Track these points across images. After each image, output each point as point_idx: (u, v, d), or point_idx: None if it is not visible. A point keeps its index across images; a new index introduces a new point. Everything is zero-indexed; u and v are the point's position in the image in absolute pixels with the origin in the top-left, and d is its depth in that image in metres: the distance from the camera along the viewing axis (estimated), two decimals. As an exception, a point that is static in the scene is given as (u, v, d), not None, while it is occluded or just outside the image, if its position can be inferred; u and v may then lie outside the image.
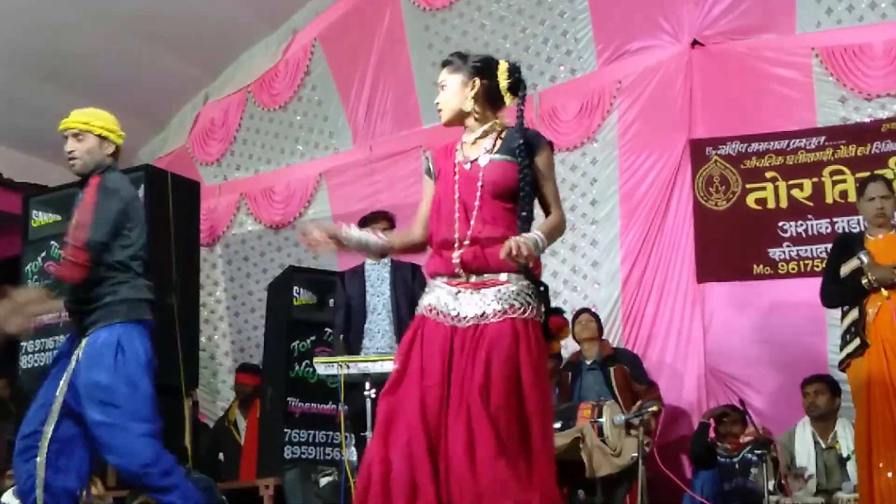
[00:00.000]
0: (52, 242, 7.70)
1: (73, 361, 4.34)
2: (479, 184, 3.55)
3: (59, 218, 7.83)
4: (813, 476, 6.03)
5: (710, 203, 7.30)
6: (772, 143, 7.19)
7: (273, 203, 9.29)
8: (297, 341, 7.41)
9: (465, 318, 3.48)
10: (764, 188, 7.19)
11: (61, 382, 4.34)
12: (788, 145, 7.14)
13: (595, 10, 7.89)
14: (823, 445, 6.14)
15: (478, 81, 3.63)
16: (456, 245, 3.53)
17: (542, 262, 7.12)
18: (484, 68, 3.65)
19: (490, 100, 3.67)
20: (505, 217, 3.54)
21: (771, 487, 5.75)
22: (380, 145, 8.80)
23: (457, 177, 3.61)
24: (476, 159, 3.61)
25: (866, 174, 6.08)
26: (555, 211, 3.62)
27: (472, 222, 3.53)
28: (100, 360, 4.26)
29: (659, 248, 7.42)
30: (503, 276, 3.50)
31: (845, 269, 5.44)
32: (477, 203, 3.54)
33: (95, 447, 4.31)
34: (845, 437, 6.00)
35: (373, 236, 3.80)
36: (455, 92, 3.65)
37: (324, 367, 5.93)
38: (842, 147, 6.97)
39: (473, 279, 3.52)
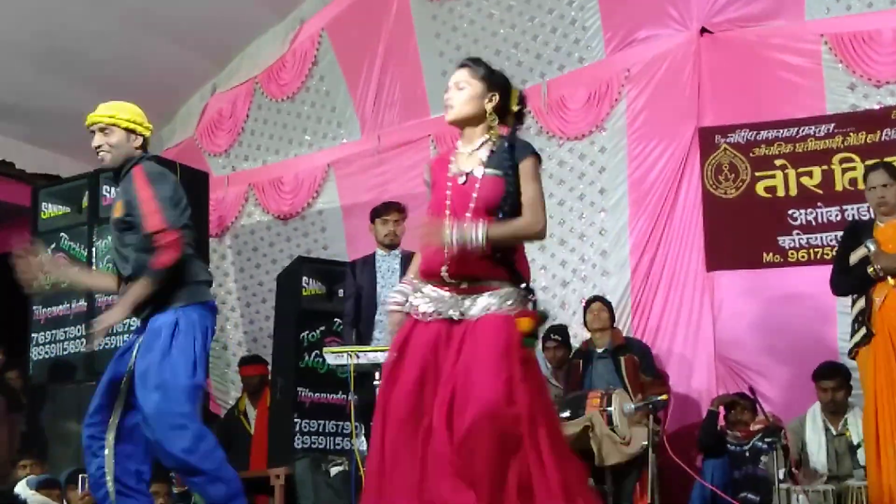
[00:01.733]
0: (62, 234, 7.72)
1: (135, 348, 4.34)
2: (474, 196, 3.58)
3: (67, 210, 7.85)
4: (825, 475, 6.02)
5: (719, 191, 7.28)
6: (781, 131, 7.17)
7: (281, 193, 9.29)
8: (307, 331, 7.42)
9: (454, 316, 3.56)
10: (773, 176, 7.17)
11: (125, 371, 4.35)
12: (797, 133, 7.12)
13: (603, -1, 7.88)
14: (834, 433, 6.13)
15: (496, 97, 3.68)
16: (446, 257, 3.53)
17: (551, 251, 7.07)
18: (500, 86, 3.71)
19: (497, 114, 3.72)
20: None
21: (781, 475, 5.74)
22: (388, 135, 8.79)
23: (449, 191, 3.64)
24: (471, 172, 3.64)
25: (876, 161, 6.07)
26: (525, 215, 3.58)
27: None
28: (154, 344, 4.25)
29: (668, 236, 7.41)
30: (494, 283, 3.56)
31: (854, 258, 5.45)
32: (469, 216, 3.55)
33: (147, 432, 4.27)
34: (856, 424, 5.99)
35: (406, 289, 3.78)
36: (474, 98, 3.68)
37: (333, 356, 5.93)
38: (851, 134, 6.95)
39: (465, 285, 3.58)
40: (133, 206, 4.32)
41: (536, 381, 3.57)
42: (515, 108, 3.72)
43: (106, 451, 4.31)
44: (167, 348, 4.24)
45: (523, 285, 3.57)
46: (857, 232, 5.58)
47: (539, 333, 3.64)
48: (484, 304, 3.53)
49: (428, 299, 3.62)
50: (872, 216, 5.71)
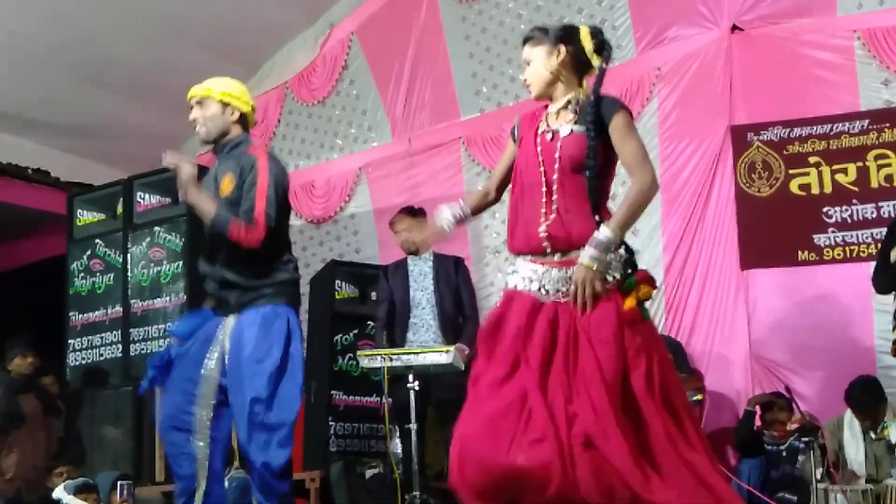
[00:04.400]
0: (97, 240, 7.79)
1: (225, 339, 4.28)
2: (557, 156, 3.51)
3: (102, 216, 7.92)
4: (863, 477, 5.96)
5: (752, 189, 7.23)
6: (814, 128, 7.11)
7: (314, 198, 9.33)
8: (340, 335, 7.43)
9: (554, 293, 3.44)
10: (807, 174, 7.11)
11: (211, 363, 4.30)
12: (831, 130, 7.06)
13: (633, -3, 7.85)
14: (873, 436, 6.05)
15: (563, 49, 3.59)
16: (542, 219, 3.48)
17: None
18: (566, 36, 3.61)
19: (577, 66, 3.63)
20: (586, 190, 3.48)
21: (819, 475, 5.69)
22: (418, 138, 8.81)
23: (539, 148, 3.58)
24: (557, 131, 3.57)
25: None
26: (636, 176, 3.46)
27: (554, 196, 3.49)
28: (272, 338, 4.22)
29: (701, 235, 7.37)
30: None
31: (894, 255, 5.40)
32: (556, 177, 3.50)
33: (244, 427, 4.19)
34: (894, 424, 5.93)
35: (457, 210, 3.80)
36: (541, 64, 3.61)
37: (367, 360, 5.96)
38: (886, 130, 6.88)
39: (558, 257, 3.48)
40: (246, 187, 4.29)
41: (659, 359, 3.39)
42: (590, 45, 3.59)
43: (200, 444, 4.27)
44: (281, 347, 4.21)
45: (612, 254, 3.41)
46: None
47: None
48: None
49: (521, 275, 3.53)
50: None
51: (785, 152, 7.17)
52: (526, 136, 3.67)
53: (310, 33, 9.60)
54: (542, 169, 3.53)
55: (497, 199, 3.87)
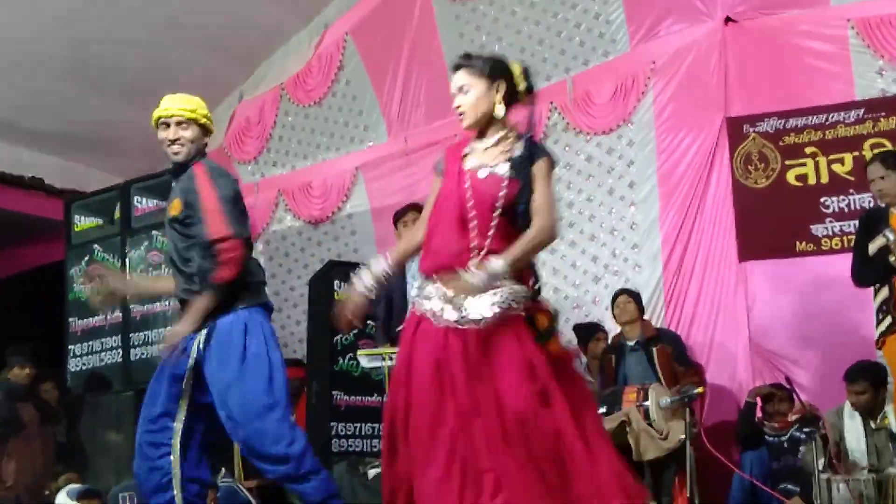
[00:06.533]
0: (95, 245, 7.80)
1: (194, 350, 4.24)
2: (500, 194, 3.49)
3: (100, 222, 7.93)
4: (866, 468, 5.95)
5: (749, 181, 7.23)
6: (810, 118, 7.11)
7: (311, 198, 9.33)
8: (340, 335, 7.44)
9: (461, 320, 3.44)
10: (804, 164, 7.11)
11: (186, 374, 4.28)
12: (827, 120, 7.05)
13: (626, -9, 7.85)
14: (873, 426, 6.02)
15: (503, 85, 3.59)
16: (474, 254, 3.45)
17: (582, 247, 7.04)
18: (502, 72, 3.60)
19: (507, 103, 3.62)
20: (512, 229, 3.50)
21: (821, 466, 5.69)
22: (415, 137, 8.80)
23: (468, 184, 3.54)
24: (493, 168, 3.54)
25: (874, 153, 6.04)
26: (535, 221, 3.47)
27: (489, 232, 3.47)
28: (229, 348, 4.20)
29: (699, 228, 7.37)
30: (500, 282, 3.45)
31: (873, 248, 5.40)
32: (490, 214, 3.48)
33: (239, 438, 4.25)
34: (893, 414, 5.92)
35: (381, 266, 3.68)
36: (481, 96, 3.59)
37: (367, 359, 5.97)
38: (882, 119, 6.87)
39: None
40: (193, 205, 4.24)
41: (570, 378, 3.51)
42: (522, 85, 3.60)
43: (172, 458, 4.26)
44: (241, 355, 4.20)
45: (520, 287, 3.48)
46: (872, 221, 5.54)
47: (553, 330, 3.53)
48: (489, 302, 3.42)
49: (433, 298, 3.51)
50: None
51: (781, 143, 7.17)
52: (450, 170, 3.62)
53: (304, 34, 9.61)
54: (470, 203, 3.50)
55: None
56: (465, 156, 3.63)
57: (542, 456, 3.31)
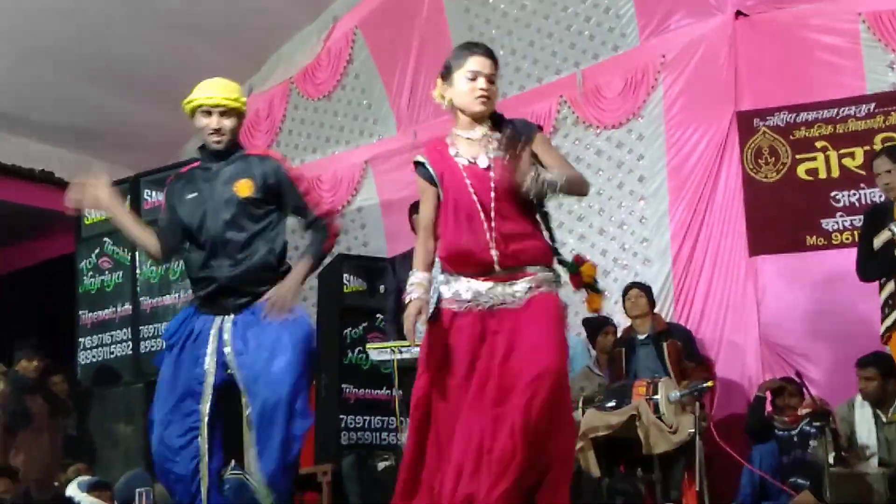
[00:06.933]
0: (105, 239, 7.81)
1: (223, 336, 4.21)
2: (493, 184, 3.53)
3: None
4: (875, 454, 5.95)
5: (759, 175, 7.22)
6: (821, 112, 7.10)
7: (320, 192, 9.29)
8: (350, 328, 7.44)
9: (496, 304, 3.52)
10: (814, 158, 7.10)
11: (206, 359, 4.21)
12: (838, 114, 7.04)
13: (636, -15, 7.83)
14: (884, 420, 6.03)
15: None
16: (490, 246, 3.51)
17: (591, 241, 7.03)
18: None
19: None
20: (525, 211, 3.57)
21: (831, 460, 5.69)
22: (424, 130, 8.78)
23: (468, 179, 3.57)
24: (491, 157, 3.57)
25: (881, 147, 6.02)
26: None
27: (493, 223, 3.51)
28: (266, 339, 4.17)
29: (709, 222, 7.36)
30: (531, 269, 3.54)
31: (878, 242, 5.39)
32: (493, 204, 3.52)
33: (267, 430, 4.12)
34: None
35: (420, 277, 3.67)
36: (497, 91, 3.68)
37: (377, 352, 5.96)
38: (893, 114, 6.87)
39: (504, 273, 3.54)
40: (280, 185, 4.40)
41: None
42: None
43: (199, 440, 4.18)
44: (285, 344, 4.18)
45: (551, 273, 3.59)
46: (878, 215, 5.52)
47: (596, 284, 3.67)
48: (525, 286, 3.52)
49: (466, 291, 3.56)
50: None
51: (791, 137, 7.16)
52: (446, 171, 3.64)
53: (313, 28, 9.61)
54: (475, 198, 3.54)
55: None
56: (455, 153, 3.66)
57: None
